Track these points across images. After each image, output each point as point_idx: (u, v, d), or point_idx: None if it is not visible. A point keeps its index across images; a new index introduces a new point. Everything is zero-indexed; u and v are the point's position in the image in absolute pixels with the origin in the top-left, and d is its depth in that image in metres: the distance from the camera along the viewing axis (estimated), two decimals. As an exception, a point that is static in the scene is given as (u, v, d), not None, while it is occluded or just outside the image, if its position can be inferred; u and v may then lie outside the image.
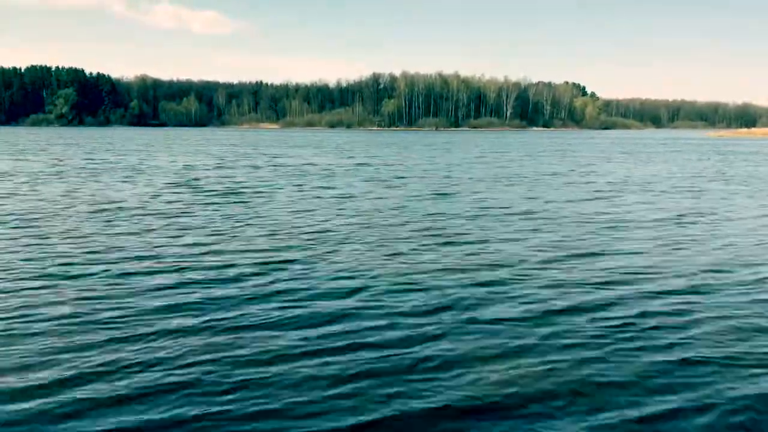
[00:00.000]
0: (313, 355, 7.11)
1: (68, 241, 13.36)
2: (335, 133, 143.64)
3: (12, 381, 6.36)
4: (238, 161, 41.81)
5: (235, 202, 20.11)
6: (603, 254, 12.48)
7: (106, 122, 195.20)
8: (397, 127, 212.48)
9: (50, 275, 10.37)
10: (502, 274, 10.72)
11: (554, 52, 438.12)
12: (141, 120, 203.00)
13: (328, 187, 25.07)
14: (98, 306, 8.80)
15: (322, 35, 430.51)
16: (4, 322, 8.07)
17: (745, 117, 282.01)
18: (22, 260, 11.41)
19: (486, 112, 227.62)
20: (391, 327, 8.06)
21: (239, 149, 60.60)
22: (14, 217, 16.54)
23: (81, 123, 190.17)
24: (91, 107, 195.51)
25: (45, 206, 18.70)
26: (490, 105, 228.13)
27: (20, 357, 6.96)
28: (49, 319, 8.18)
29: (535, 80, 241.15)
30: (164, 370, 6.63)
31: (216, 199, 20.82)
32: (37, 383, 6.32)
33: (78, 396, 6.03)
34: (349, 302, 9.12)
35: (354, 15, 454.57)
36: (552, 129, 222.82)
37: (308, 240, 13.74)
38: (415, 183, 27.32)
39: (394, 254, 12.30)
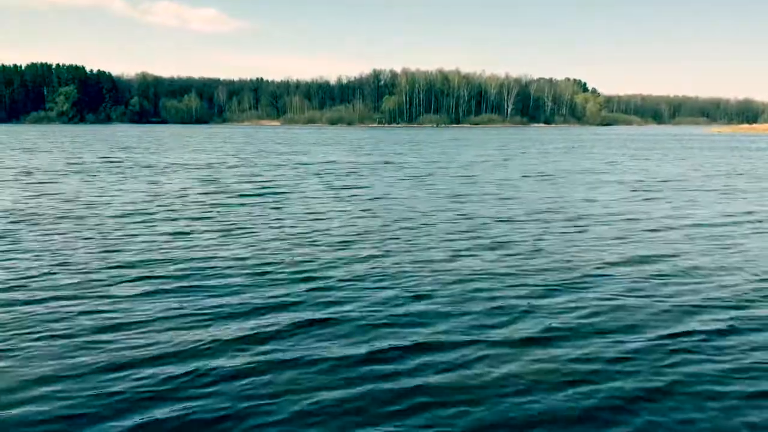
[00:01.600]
0: (361, 362, 6.77)
1: (103, 242, 12.80)
2: (339, 131, 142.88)
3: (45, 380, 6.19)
4: (256, 159, 41.21)
5: (267, 203, 19.50)
6: (669, 259, 11.79)
7: (107, 119, 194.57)
8: (397, 124, 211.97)
9: (84, 278, 9.86)
10: (564, 283, 10.04)
11: (555, 48, 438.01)
12: (142, 117, 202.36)
13: (359, 187, 24.54)
14: (137, 306, 8.55)
15: (322, 32, 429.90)
16: (43, 322, 7.72)
17: (746, 112, 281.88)
18: (61, 260, 10.91)
19: (487, 108, 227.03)
20: (444, 340, 7.46)
21: (250, 146, 59.94)
22: (48, 216, 16.00)
23: (82, 120, 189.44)
24: (92, 104, 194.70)
25: (73, 206, 18.13)
26: (491, 101, 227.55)
27: (55, 356, 6.88)
28: (92, 318, 7.91)
29: (536, 76, 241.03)
30: (199, 378, 6.39)
31: (247, 200, 20.21)
32: (64, 383, 6.27)
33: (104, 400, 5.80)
34: (400, 311, 8.56)
35: (354, 11, 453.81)
36: (553, 125, 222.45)
37: (350, 243, 13.12)
38: (444, 182, 26.79)
39: (444, 260, 11.61)
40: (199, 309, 8.56)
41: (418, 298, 9.13)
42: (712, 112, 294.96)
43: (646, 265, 11.29)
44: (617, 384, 6.30)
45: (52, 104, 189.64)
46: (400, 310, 8.55)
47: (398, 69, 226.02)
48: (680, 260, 11.73)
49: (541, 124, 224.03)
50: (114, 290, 9.45)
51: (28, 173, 29.29)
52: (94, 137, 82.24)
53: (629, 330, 7.82)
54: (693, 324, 8.06)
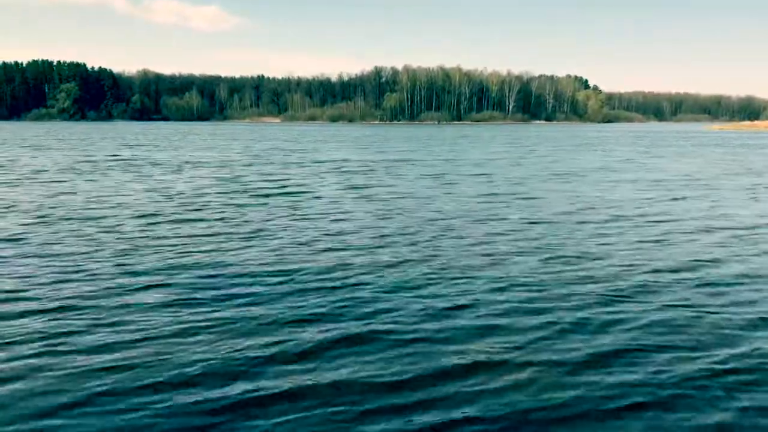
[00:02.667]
0: (393, 386, 6.17)
1: (122, 244, 12.38)
2: (342, 128, 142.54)
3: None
4: (268, 156, 40.82)
5: (290, 204, 18.97)
6: (715, 264, 11.19)
7: (108, 117, 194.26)
8: (398, 121, 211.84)
9: (102, 284, 9.46)
10: (610, 292, 9.31)
11: (557, 45, 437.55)
12: (143, 114, 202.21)
13: (380, 185, 24.14)
14: (156, 315, 8.20)
15: (323, 29, 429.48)
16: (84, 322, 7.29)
17: (748, 110, 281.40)
18: (79, 264, 10.52)
19: (488, 105, 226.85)
20: (486, 360, 6.77)
21: (259, 144, 59.49)
22: (66, 217, 15.62)
23: (83, 117, 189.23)
24: (93, 102, 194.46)
25: (92, 206, 17.73)
26: (492, 98, 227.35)
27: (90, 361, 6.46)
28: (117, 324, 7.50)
29: (537, 73, 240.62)
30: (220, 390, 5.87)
31: (269, 201, 19.60)
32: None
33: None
34: (436, 324, 7.91)
35: (356, 8, 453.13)
36: (555, 122, 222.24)
37: (380, 247, 12.57)
38: (465, 181, 26.40)
39: (479, 266, 10.94)
40: (222, 317, 8.11)
41: (454, 309, 8.48)
42: (713, 109, 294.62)
43: (692, 272, 10.68)
44: (677, 415, 5.69)
45: (53, 101, 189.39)
46: (436, 323, 7.94)
47: (400, 66, 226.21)
48: (726, 265, 11.19)
49: (543, 122, 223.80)
50: (132, 297, 9.02)
51: (42, 172, 28.88)
52: (101, 135, 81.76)
53: (685, 350, 7.12)
54: (755, 342, 7.39)
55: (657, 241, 13.31)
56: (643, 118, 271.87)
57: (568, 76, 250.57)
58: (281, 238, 13.42)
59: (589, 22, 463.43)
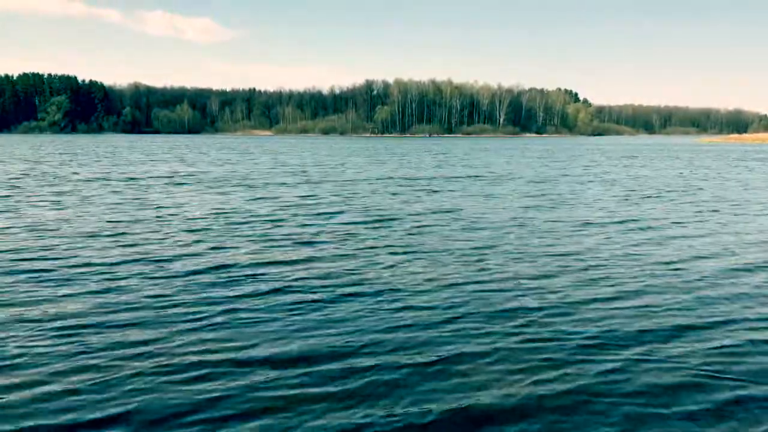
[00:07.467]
0: None
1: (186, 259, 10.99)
2: (341, 140, 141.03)
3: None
4: (313, 171, 39.08)
5: (401, 234, 17.40)
6: None
7: (99, 129, 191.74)
8: (390, 134, 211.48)
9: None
10: None
11: (547, 58, 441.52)
12: (134, 127, 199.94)
13: (461, 207, 22.80)
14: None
15: (315, 43, 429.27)
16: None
17: (736, 123, 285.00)
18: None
19: (479, 118, 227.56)
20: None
21: (283, 158, 57.46)
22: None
23: (74, 130, 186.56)
24: (84, 114, 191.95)
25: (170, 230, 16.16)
26: (483, 111, 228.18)
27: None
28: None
29: (527, 87, 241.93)
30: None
31: (376, 231, 17.99)
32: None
33: None
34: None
35: (347, 22, 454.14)
36: (546, 135, 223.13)
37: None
38: (525, 200, 25.16)
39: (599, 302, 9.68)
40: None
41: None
42: (702, 122, 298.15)
43: None
44: None
45: (44, 114, 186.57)
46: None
47: (391, 80, 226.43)
48: None
49: (533, 134, 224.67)
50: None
51: (91, 191, 27.08)
52: (107, 149, 79.42)
53: None
54: None
55: None
56: (633, 131, 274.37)
57: (558, 90, 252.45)
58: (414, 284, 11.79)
59: (578, 36, 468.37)
